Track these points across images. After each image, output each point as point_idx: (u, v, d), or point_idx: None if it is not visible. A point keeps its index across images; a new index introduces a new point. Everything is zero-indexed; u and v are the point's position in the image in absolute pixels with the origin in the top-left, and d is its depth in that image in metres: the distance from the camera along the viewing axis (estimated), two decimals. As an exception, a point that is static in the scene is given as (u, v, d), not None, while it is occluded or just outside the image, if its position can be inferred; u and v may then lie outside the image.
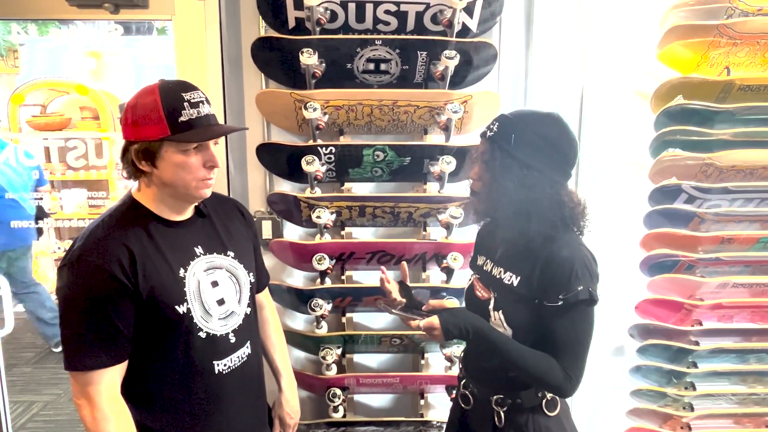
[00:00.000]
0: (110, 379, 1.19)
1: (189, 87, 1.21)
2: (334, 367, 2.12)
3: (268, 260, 2.10)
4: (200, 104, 1.19)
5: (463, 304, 1.51)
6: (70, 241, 1.22)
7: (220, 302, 1.29)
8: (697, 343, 2.03)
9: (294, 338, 2.17)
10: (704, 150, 1.89)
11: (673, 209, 1.95)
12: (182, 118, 1.16)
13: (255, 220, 2.11)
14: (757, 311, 2.07)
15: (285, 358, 1.59)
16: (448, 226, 2.02)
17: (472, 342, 1.26)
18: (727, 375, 2.13)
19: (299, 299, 2.11)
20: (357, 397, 2.32)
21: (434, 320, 1.26)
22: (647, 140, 1.95)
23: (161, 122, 1.15)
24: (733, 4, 1.79)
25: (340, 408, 2.13)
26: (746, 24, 1.79)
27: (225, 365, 1.30)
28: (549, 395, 1.34)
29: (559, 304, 1.23)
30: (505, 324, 1.30)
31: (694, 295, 2.01)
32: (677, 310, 2.06)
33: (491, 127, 1.30)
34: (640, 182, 2.00)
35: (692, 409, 2.08)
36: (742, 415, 2.15)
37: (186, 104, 1.17)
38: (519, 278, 1.30)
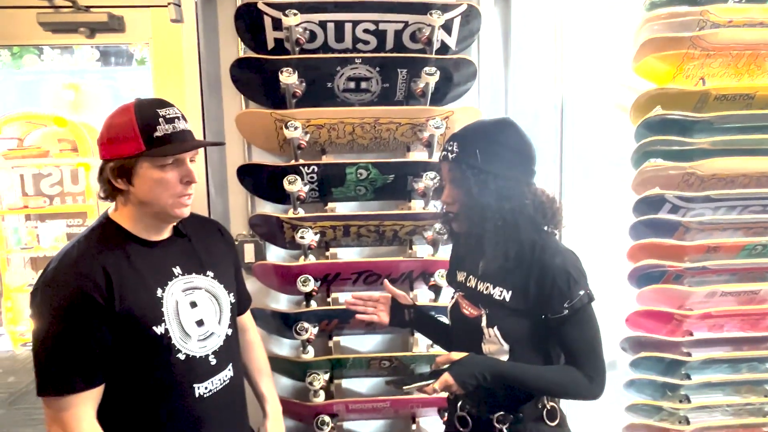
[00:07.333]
0: (86, 404, 1.13)
1: (164, 104, 1.20)
2: (321, 393, 2.05)
3: (252, 284, 2.05)
4: (176, 120, 1.18)
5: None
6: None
7: (199, 323, 1.25)
8: (689, 354, 2.01)
9: (279, 364, 2.10)
10: (685, 159, 1.91)
11: (657, 219, 1.95)
12: (157, 134, 1.14)
13: (237, 243, 2.07)
14: (746, 319, 2.06)
15: (270, 382, 1.54)
16: (434, 243, 2.00)
17: (493, 385, 1.24)
18: (721, 386, 2.11)
19: (284, 323, 2.05)
20: (347, 425, 2.25)
21: (447, 378, 1.23)
22: (629, 152, 1.96)
23: (136, 138, 1.13)
24: (705, 17, 1.83)
25: (329, 436, 2.05)
26: (718, 35, 1.83)
27: (206, 388, 1.25)
28: (549, 405, 1.33)
29: (565, 313, 1.23)
30: (501, 340, 1.28)
31: (683, 306, 2.00)
32: (668, 321, 2.04)
33: (449, 149, 1.30)
34: (624, 194, 2.00)
35: (688, 423, 2.05)
36: (738, 426, 2.12)
37: (161, 120, 1.15)
38: (510, 292, 1.29)
